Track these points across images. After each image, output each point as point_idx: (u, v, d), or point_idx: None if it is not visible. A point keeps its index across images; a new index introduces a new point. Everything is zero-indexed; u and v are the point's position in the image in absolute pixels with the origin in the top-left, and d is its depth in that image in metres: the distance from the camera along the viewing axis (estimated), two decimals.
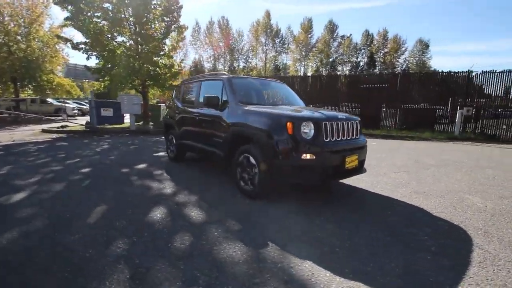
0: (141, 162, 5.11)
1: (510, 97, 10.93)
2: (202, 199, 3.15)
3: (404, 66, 56.69)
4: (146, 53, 11.59)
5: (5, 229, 2.33)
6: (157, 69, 12.54)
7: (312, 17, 51.73)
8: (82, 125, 11.16)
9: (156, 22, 12.20)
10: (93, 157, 5.55)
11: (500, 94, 10.94)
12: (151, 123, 13.82)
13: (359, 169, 3.25)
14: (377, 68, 55.71)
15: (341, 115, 3.17)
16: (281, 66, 53.09)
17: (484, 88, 11.25)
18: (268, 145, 2.86)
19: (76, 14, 10.25)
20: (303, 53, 52.07)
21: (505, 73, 10.33)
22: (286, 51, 52.77)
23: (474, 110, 10.97)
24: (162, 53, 12.30)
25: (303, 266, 1.86)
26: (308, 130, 2.79)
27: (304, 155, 2.72)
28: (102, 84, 12.46)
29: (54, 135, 9.03)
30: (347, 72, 49.10)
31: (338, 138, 2.99)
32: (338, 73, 47.70)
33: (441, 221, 2.66)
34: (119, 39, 11.95)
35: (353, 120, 3.24)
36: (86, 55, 11.06)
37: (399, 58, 57.19)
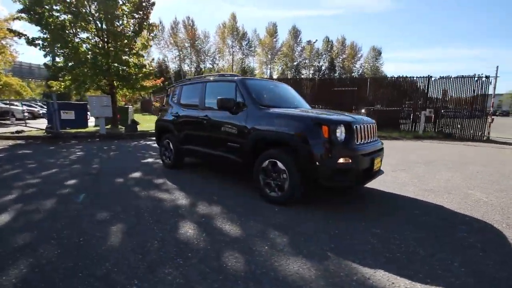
0: (133, 171, 4.62)
1: (447, 98, 12.38)
2: (227, 209, 2.92)
3: (360, 71, 61.12)
4: (115, 51, 10.66)
5: (6, 265, 1.86)
6: (127, 68, 11.64)
7: (276, 22, 52.93)
8: (41, 129, 9.82)
9: (125, 18, 11.34)
10: (73, 167, 4.87)
11: (454, 97, 12.31)
12: (120, 126, 12.81)
13: (380, 170, 3.32)
14: (337, 72, 59.14)
15: (365, 118, 3.20)
16: (247, 68, 53.32)
17: (429, 92, 12.58)
18: (302, 149, 2.75)
19: (32, 6, 9.01)
20: (269, 56, 53.02)
21: (458, 79, 11.65)
22: (253, 54, 53.23)
23: (433, 111, 12.16)
24: (133, 51, 11.43)
25: (378, 275, 1.80)
26: (342, 133, 2.75)
27: (341, 158, 2.67)
28: (62, 84, 11.14)
29: (10, 142, 7.77)
30: (310, 75, 51.24)
31: (365, 141, 3.02)
32: (304, 76, 49.58)
33: (466, 217, 2.82)
34: (84, 35, 10.84)
35: (372, 123, 3.30)
36: (44, 52, 9.78)
37: (356, 63, 61.45)
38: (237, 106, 3.46)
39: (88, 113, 12.64)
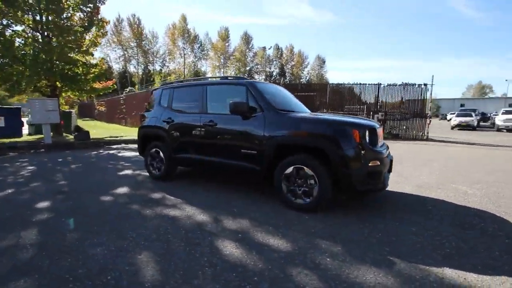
0: (116, 186, 3.98)
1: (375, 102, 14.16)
2: (256, 221, 2.70)
3: (307, 78, 65.32)
4: (61, 48, 9.21)
5: None
6: (74, 67, 10.21)
7: (228, 26, 53.00)
8: None
9: (71, 10, 9.94)
10: (32, 185, 3.97)
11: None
12: (65, 134, 11.15)
13: None
14: (287, 78, 62.05)
15: (376, 122, 3.35)
16: (199, 72, 52.05)
17: (380, 97, 14.19)
18: (335, 154, 2.71)
19: None
20: (222, 61, 52.74)
21: (402, 86, 13.28)
22: (205, 57, 52.21)
23: (385, 114, 13.62)
24: (82, 49, 10.04)
25: (448, 273, 1.84)
26: (369, 137, 2.81)
27: (372, 162, 2.72)
28: None
29: None
30: (263, 80, 52.54)
31: (381, 144, 3.14)
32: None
33: (470, 209, 3.13)
34: (19, 27, 9.11)
35: (380, 127, 3.47)
36: None
37: (304, 70, 65.45)
38: (250, 110, 3.27)
39: (23, 119, 10.69)
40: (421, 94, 13.04)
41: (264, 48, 35.46)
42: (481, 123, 25.22)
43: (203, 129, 3.66)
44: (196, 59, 51.20)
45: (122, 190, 3.81)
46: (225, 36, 51.64)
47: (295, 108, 3.76)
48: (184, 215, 2.87)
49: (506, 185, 4.17)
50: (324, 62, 66.28)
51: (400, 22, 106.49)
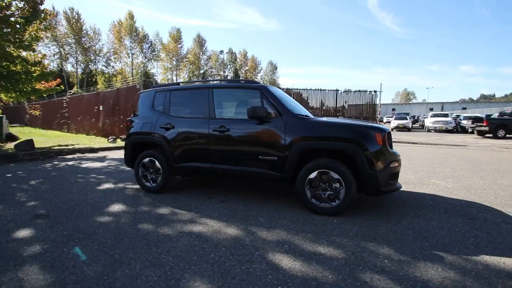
0: (107, 204, 3.45)
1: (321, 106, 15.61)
2: (293, 230, 2.62)
3: (261, 83, 67.04)
4: None
5: None
6: (12, 65, 8.63)
7: (180, 27, 51.14)
8: None
9: None
10: None
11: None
12: (0, 143, 9.36)
13: None
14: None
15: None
16: (147, 72, 48.98)
17: (337, 101, 15.43)
18: (361, 157, 2.80)
19: None
20: (174, 63, 50.60)
21: (356, 92, 14.60)
22: (156, 58, 49.36)
23: (342, 116, 14.75)
24: (24, 43, 8.53)
25: (488, 260, 2.05)
26: (388, 140, 2.99)
27: (392, 163, 2.90)
28: None
29: None
30: None
31: None
32: None
33: (461, 201, 3.57)
34: None
35: None
36: None
37: (257, 75, 67.01)
38: (267, 115, 3.19)
39: None
40: (371, 100, 14.54)
41: (222, 51, 35.22)
42: (413, 125, 29.21)
43: (212, 135, 3.43)
44: (146, 60, 48.09)
45: (117, 207, 3.32)
46: (177, 37, 49.71)
47: (305, 112, 3.80)
48: (211, 230, 2.63)
49: (471, 178, 4.87)
50: (276, 68, 68.88)
51: (336, 34, 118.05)
